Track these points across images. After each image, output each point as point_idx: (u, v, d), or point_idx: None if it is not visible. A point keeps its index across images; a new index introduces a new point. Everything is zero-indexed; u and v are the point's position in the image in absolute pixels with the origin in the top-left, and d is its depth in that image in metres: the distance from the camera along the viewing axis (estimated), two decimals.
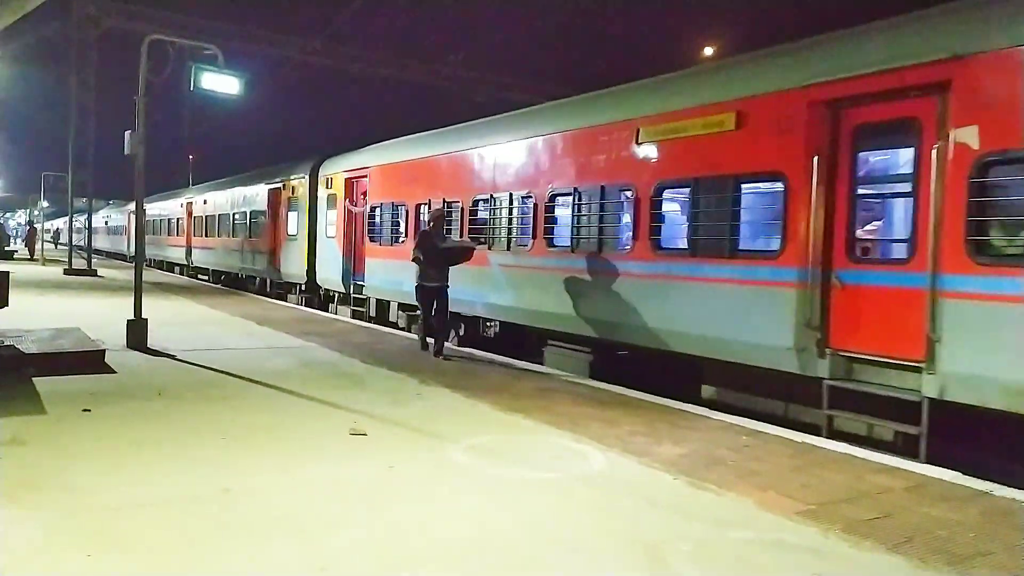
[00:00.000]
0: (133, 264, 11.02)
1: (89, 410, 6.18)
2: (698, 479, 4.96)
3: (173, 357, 9.03)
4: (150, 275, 26.28)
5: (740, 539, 3.98)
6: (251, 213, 21.75)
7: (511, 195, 10.62)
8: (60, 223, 55.05)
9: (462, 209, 11.63)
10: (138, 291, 9.89)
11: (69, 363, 7.76)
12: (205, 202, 27.10)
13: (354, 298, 15.45)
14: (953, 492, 4.89)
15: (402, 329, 13.26)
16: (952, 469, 5.38)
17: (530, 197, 10.21)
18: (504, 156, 10.83)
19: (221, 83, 9.98)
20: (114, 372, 7.90)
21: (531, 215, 10.18)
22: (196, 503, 4.18)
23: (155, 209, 34.95)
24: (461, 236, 11.45)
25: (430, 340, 10.26)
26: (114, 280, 23.08)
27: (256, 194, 21.38)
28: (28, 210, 62.24)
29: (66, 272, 24.99)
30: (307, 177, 17.82)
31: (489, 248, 10.93)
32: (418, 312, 10.77)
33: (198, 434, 5.66)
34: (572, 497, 4.56)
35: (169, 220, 33.28)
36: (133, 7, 26.69)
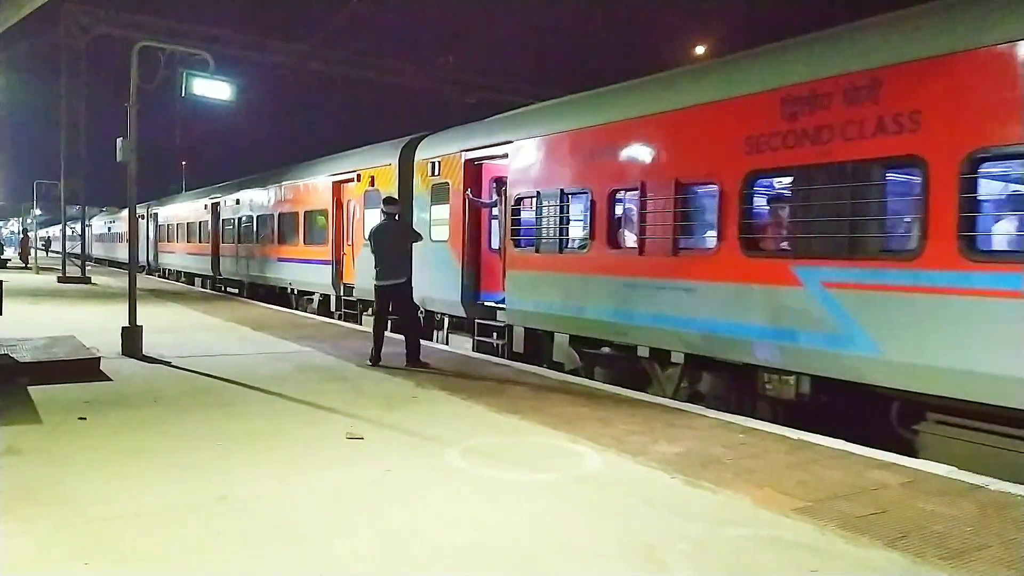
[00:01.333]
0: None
1: (85, 419, 6.16)
2: (694, 477, 4.97)
3: (169, 364, 9.01)
4: (146, 282, 26.23)
5: (737, 537, 3.99)
6: (306, 214, 17.82)
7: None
8: (55, 231, 54.72)
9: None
10: (132, 298, 9.86)
11: (64, 371, 7.74)
12: (238, 202, 22.97)
13: (479, 324, 11.55)
14: (949, 487, 4.91)
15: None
16: (948, 464, 5.40)
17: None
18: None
19: (212, 89, 9.98)
20: (110, 380, 7.88)
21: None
22: (192, 511, 4.17)
23: (170, 212, 32.34)
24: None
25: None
26: (108, 287, 23.02)
27: (315, 188, 17.25)
28: (21, 218, 62.12)
29: (60, 280, 24.94)
30: (396, 163, 13.64)
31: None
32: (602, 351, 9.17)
33: (193, 441, 5.65)
34: (569, 498, 4.57)
35: (189, 224, 28.98)
36: (123, 15, 26.64)
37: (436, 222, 12.37)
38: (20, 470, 4.81)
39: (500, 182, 11.26)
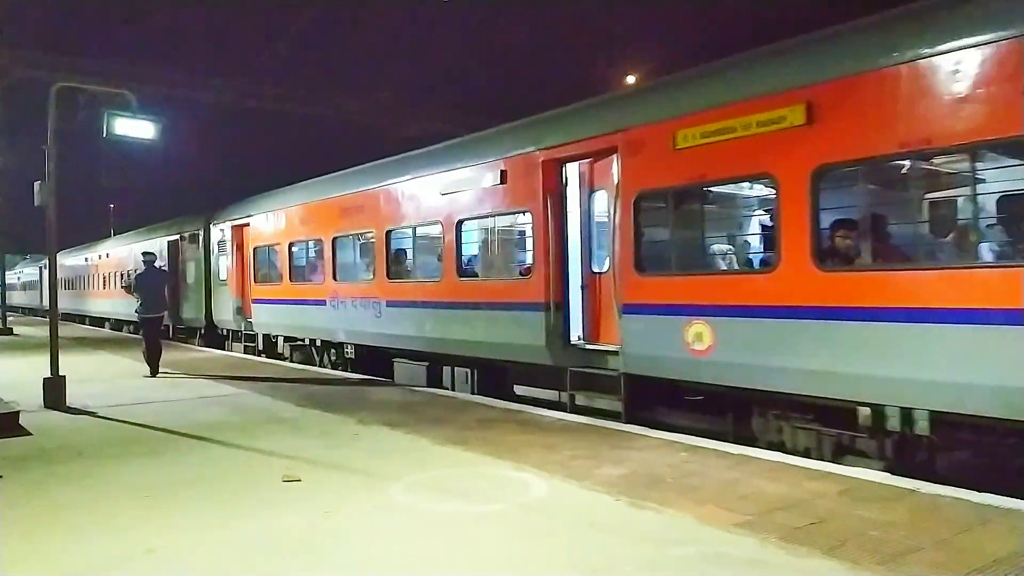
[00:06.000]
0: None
1: (1, 476, 5.81)
2: (639, 499, 4.98)
3: (94, 415, 8.61)
4: (70, 330, 25.18)
5: (682, 556, 3.99)
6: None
7: None
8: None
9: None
10: (54, 347, 9.41)
11: None
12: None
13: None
14: (883, 492, 5.04)
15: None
16: (881, 471, 5.56)
17: None
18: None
19: (136, 128, 9.71)
20: (30, 434, 7.47)
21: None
22: (119, 566, 3.95)
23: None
24: None
25: None
26: (32, 338, 21.99)
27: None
28: None
29: None
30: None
31: None
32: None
33: (120, 494, 5.38)
34: (516, 527, 4.51)
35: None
36: (43, 55, 25.86)
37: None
38: None
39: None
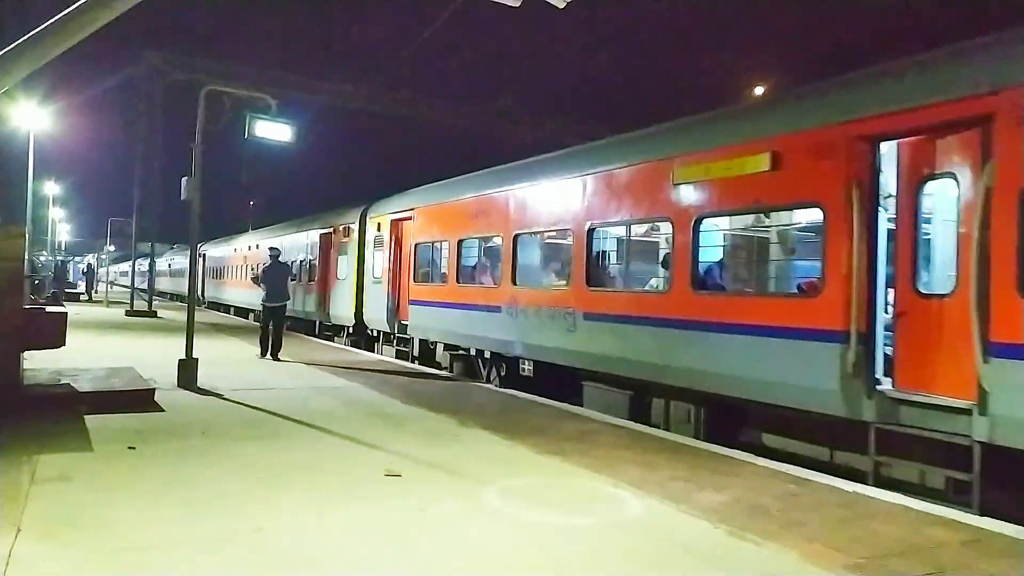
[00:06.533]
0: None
1: (134, 448, 6.31)
2: (739, 528, 4.77)
3: (221, 396, 9.21)
4: (208, 316, 27.06)
5: None
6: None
7: None
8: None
9: None
10: (190, 332, 10.16)
11: (120, 401, 7.98)
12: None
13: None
14: (1014, 548, 4.59)
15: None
16: (1014, 523, 5.06)
17: None
18: None
19: (274, 131, 10.36)
20: (163, 411, 8.08)
21: None
22: (228, 542, 4.20)
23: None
24: None
25: None
26: (173, 321, 23.80)
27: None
28: (96, 254, 65.15)
29: (127, 314, 25.91)
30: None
31: None
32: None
33: (236, 472, 5.72)
34: (606, 543, 4.43)
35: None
36: (196, 59, 28.03)
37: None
38: (67, 497, 4.93)
39: None
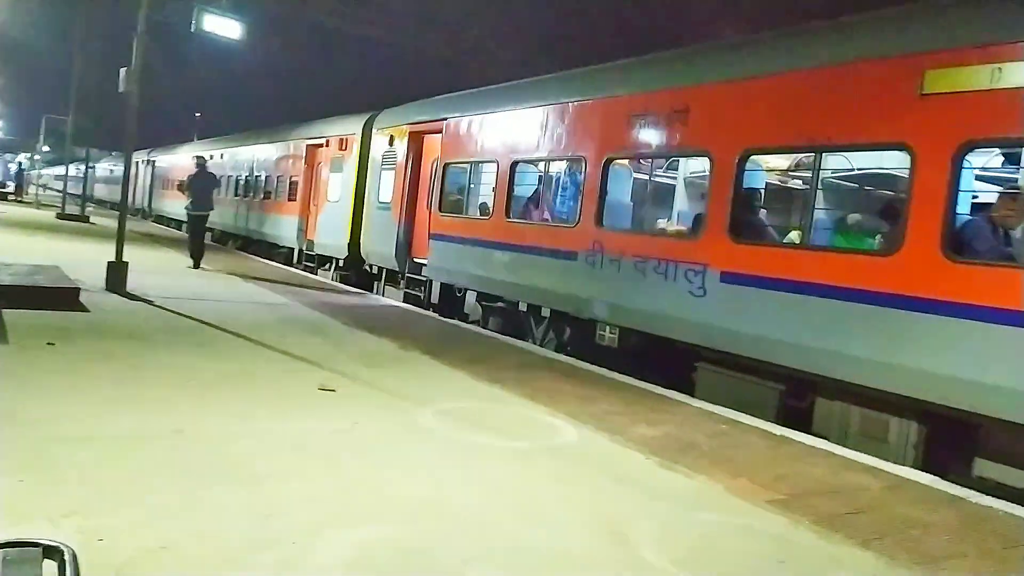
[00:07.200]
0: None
1: (53, 344, 6.00)
2: (670, 460, 4.81)
3: (151, 303, 8.85)
4: (144, 227, 26.06)
5: (706, 522, 3.83)
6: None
7: None
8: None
9: None
10: (121, 234, 9.68)
11: (41, 298, 7.56)
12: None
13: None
14: (930, 495, 4.74)
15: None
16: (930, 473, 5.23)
17: None
18: None
19: (222, 26, 9.75)
20: (87, 311, 7.72)
21: None
22: (145, 441, 4.01)
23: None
24: None
25: None
26: (106, 228, 22.81)
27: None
28: (30, 155, 61.81)
29: (59, 216, 24.76)
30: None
31: None
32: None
33: (159, 376, 5.49)
34: (538, 467, 4.41)
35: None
36: None
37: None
38: None
39: None
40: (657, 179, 9.31)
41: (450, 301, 11.40)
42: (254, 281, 12.76)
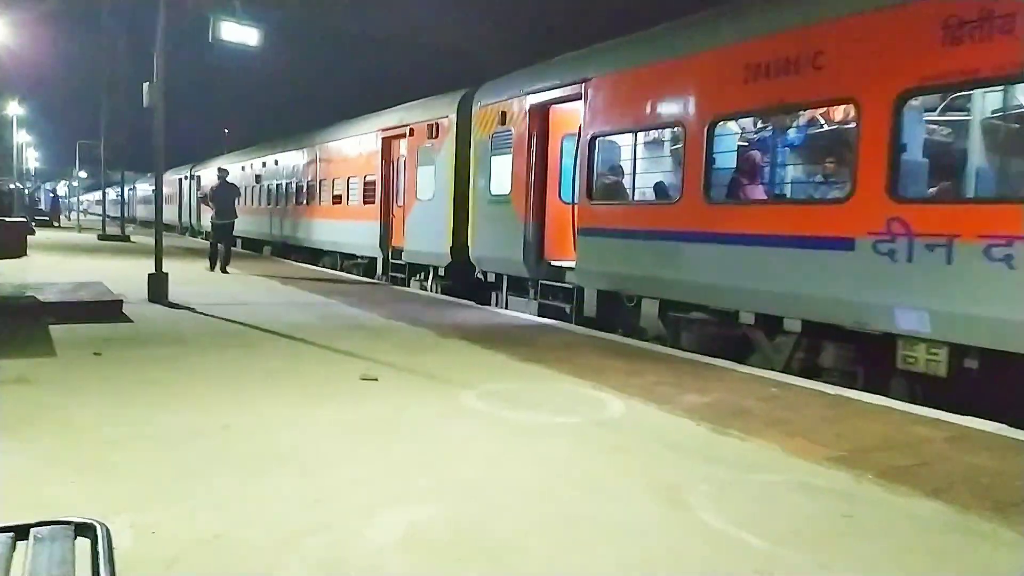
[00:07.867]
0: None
1: (100, 353, 6.10)
2: (722, 426, 4.69)
3: (193, 310, 8.97)
4: (184, 242, 26.53)
5: (765, 482, 3.71)
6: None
7: None
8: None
9: None
10: (159, 245, 9.83)
11: (87, 312, 7.72)
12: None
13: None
14: (997, 442, 4.55)
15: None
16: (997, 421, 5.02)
17: None
18: None
19: (240, 33, 9.82)
20: (131, 321, 7.85)
21: None
22: (195, 438, 4.03)
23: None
24: None
25: None
26: (147, 245, 23.28)
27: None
28: (68, 182, 63.48)
29: (100, 238, 25.36)
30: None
31: None
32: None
33: (208, 377, 5.54)
34: (589, 440, 4.33)
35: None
36: None
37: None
38: (27, 396, 4.73)
39: None
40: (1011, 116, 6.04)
41: (612, 311, 9.02)
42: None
